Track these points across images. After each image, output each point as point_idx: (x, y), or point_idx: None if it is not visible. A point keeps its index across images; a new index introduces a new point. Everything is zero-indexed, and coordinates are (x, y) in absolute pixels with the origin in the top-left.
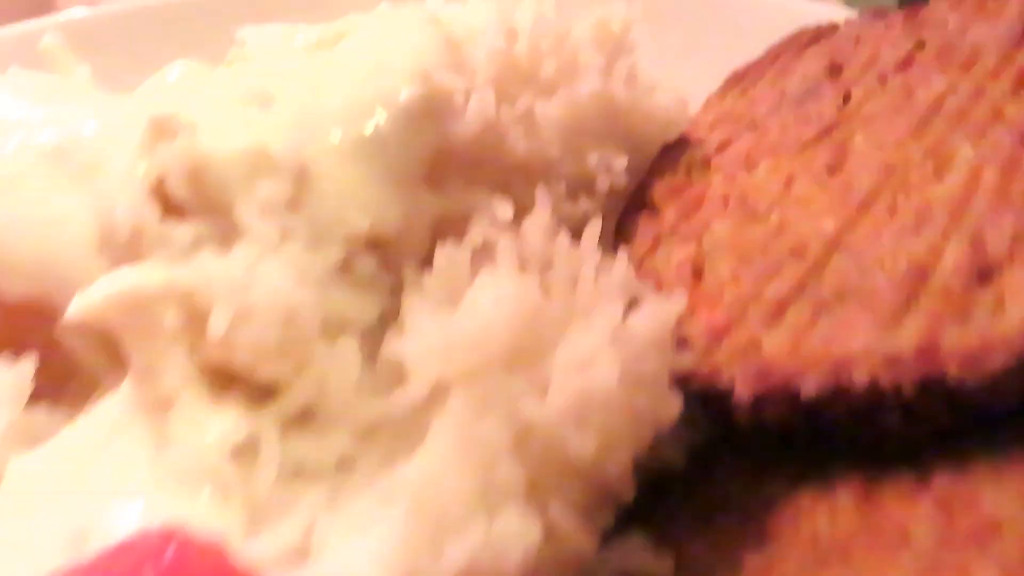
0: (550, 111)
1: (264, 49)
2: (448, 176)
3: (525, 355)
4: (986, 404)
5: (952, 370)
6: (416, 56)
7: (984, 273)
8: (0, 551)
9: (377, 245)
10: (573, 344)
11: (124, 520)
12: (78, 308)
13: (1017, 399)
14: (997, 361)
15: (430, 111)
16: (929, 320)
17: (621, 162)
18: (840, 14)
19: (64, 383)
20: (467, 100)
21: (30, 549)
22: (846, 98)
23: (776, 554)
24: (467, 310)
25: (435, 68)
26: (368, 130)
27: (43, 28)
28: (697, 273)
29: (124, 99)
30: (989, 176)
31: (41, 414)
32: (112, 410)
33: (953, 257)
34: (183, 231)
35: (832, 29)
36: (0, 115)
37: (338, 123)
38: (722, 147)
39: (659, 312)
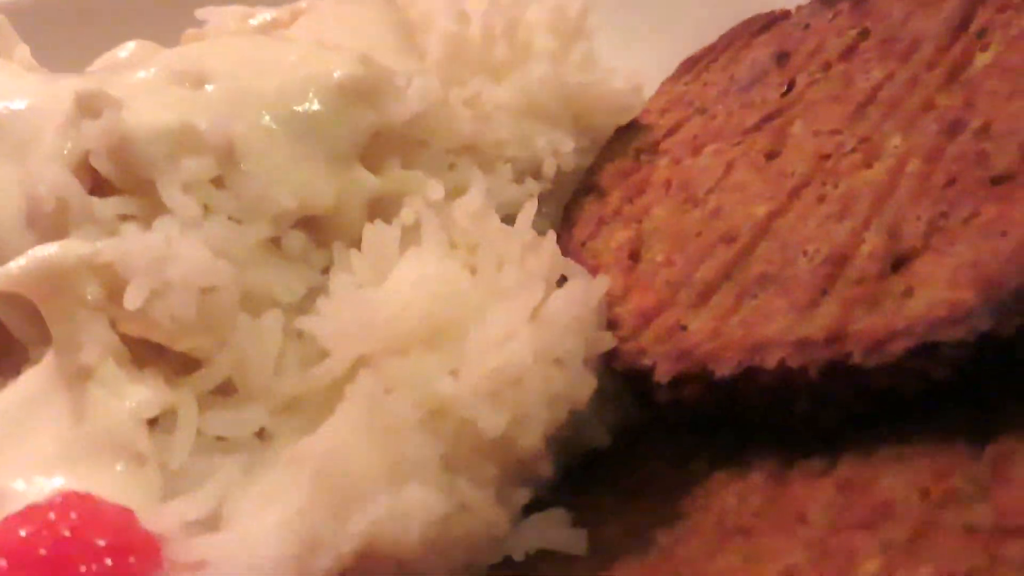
0: (499, 94)
1: (218, 29)
2: (386, 156)
3: (444, 334)
4: (891, 389)
5: (856, 354)
6: (365, 39)
7: (898, 261)
8: None
9: (308, 223)
10: (491, 323)
11: (39, 489)
12: (3, 279)
13: (920, 384)
14: (899, 346)
15: (366, 92)
16: (841, 306)
17: (569, 145)
18: (794, 1)
19: (1, 356)
20: (409, 82)
21: None
22: (790, 85)
23: (684, 533)
24: (389, 288)
25: (383, 51)
26: (300, 110)
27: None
28: (634, 256)
29: (60, 77)
30: (913, 166)
31: None
32: (34, 381)
33: (871, 245)
34: (107, 206)
35: (784, 16)
36: None
37: (270, 103)
38: (671, 131)
39: (581, 293)
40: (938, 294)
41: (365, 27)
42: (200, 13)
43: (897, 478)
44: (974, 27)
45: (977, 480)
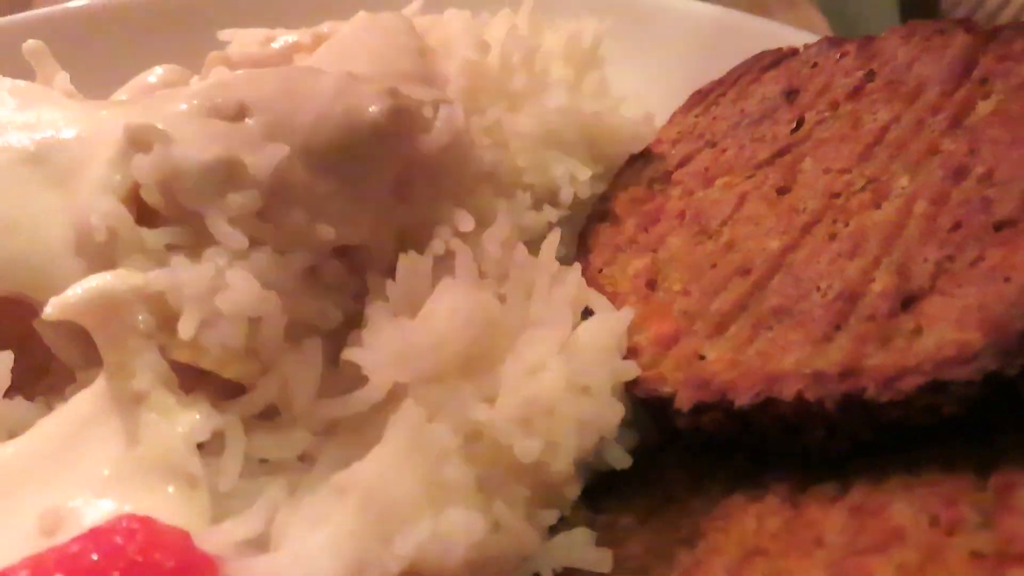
0: (518, 123)
1: (243, 53)
2: (415, 186)
3: (478, 362)
4: (902, 422)
5: (870, 389)
6: (389, 67)
7: (907, 300)
8: None
9: (344, 253)
10: (523, 352)
11: (95, 509)
12: (55, 309)
13: (929, 418)
14: (911, 383)
15: (397, 126)
16: (854, 342)
17: (585, 173)
18: (801, 39)
19: (40, 377)
20: (435, 112)
21: (3, 534)
22: (800, 122)
23: (706, 553)
24: (424, 318)
25: (406, 80)
26: (336, 144)
27: (24, 23)
28: (651, 284)
29: (102, 105)
30: (920, 208)
31: (18, 406)
32: (85, 404)
33: (881, 283)
34: (156, 237)
35: (792, 53)
36: None
37: (307, 137)
38: (683, 162)
39: (608, 324)
40: (947, 334)
41: (387, 54)
42: (223, 35)
43: (907, 504)
44: (977, 74)
45: (982, 508)
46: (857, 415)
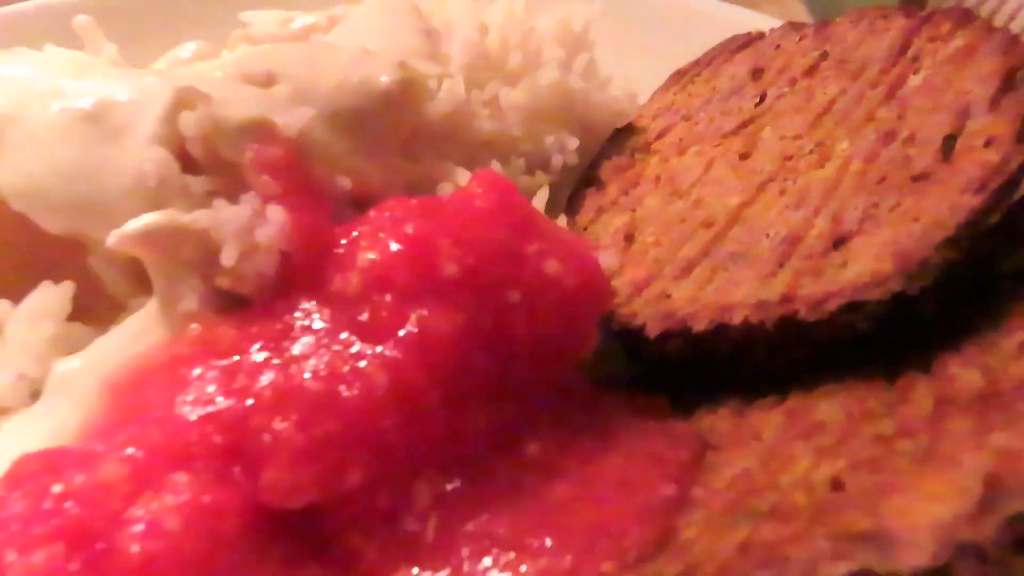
0: (514, 97)
1: (264, 33)
2: (421, 148)
3: None
4: (827, 338)
5: (802, 311)
6: (397, 45)
7: (838, 241)
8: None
9: (359, 201)
10: None
11: None
12: (116, 239)
13: (849, 333)
14: (833, 303)
15: (406, 94)
16: (793, 276)
17: (573, 143)
18: (768, 23)
19: (93, 305)
20: (439, 84)
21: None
22: (762, 97)
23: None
24: None
25: (413, 56)
26: (353, 107)
27: (64, 4)
28: (628, 238)
29: (147, 73)
30: (855, 166)
31: (78, 329)
32: (139, 322)
33: (818, 229)
34: (199, 183)
35: (759, 36)
36: (42, 85)
37: (328, 101)
38: (661, 134)
39: None
40: (865, 265)
41: (396, 33)
42: (245, 16)
43: (829, 404)
44: (911, 52)
45: (888, 403)
46: (792, 334)
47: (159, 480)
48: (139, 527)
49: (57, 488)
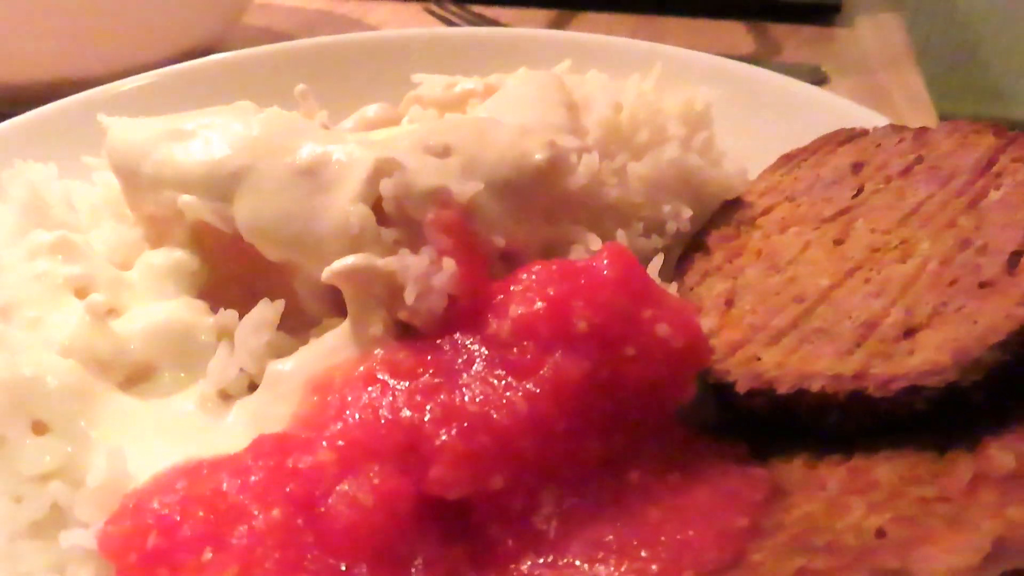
0: (639, 169)
1: (431, 96)
2: (559, 212)
3: None
4: (890, 413)
5: (870, 388)
6: (545, 118)
7: (909, 331)
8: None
9: (507, 257)
10: None
11: None
12: (328, 274)
13: (908, 411)
14: (898, 385)
15: (554, 169)
16: (867, 357)
17: (687, 212)
18: (874, 121)
19: (294, 321)
20: (579, 158)
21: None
22: (860, 190)
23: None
24: None
25: (559, 130)
26: (511, 179)
27: (249, 58)
28: (729, 303)
29: (350, 137)
30: (932, 266)
31: (284, 338)
32: (333, 339)
33: (893, 318)
34: (390, 234)
35: (863, 133)
36: (274, 142)
37: (491, 173)
38: (766, 211)
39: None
40: (928, 356)
41: (544, 107)
42: (416, 77)
43: (886, 467)
44: (995, 169)
45: (934, 472)
46: (860, 406)
47: (359, 467)
48: (344, 500)
49: (288, 463)
